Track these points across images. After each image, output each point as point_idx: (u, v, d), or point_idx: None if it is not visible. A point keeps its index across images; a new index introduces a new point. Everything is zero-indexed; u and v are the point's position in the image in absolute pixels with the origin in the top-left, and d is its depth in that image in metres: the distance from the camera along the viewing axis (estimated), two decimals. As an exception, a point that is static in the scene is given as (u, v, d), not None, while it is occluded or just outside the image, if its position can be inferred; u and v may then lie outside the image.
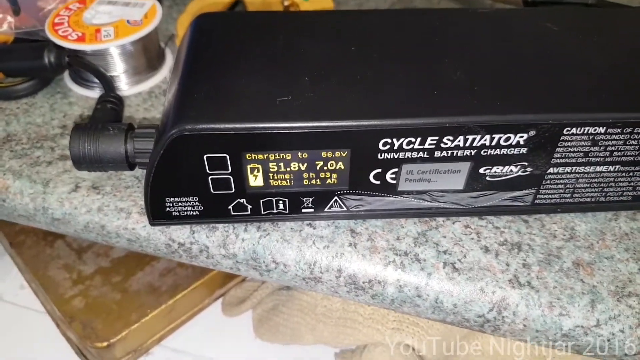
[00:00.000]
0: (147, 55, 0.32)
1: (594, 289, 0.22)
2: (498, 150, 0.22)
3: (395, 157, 0.22)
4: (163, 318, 0.61)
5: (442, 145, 0.21)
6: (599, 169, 0.23)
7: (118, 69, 0.31)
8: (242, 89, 0.22)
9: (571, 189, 0.24)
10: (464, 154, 0.22)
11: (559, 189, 0.24)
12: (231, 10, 0.32)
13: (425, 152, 0.22)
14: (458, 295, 0.23)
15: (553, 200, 0.24)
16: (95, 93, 0.31)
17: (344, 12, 0.30)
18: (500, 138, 0.21)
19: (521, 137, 0.21)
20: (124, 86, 0.32)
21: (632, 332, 0.21)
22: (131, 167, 0.24)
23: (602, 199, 0.24)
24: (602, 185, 0.24)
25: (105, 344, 0.57)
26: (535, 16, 0.28)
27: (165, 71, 0.33)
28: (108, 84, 0.29)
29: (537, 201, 0.24)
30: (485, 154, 0.22)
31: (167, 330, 0.65)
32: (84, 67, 0.30)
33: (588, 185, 0.24)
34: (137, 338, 0.60)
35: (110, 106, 0.27)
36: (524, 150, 0.22)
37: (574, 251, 0.24)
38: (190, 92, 0.22)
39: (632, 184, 0.24)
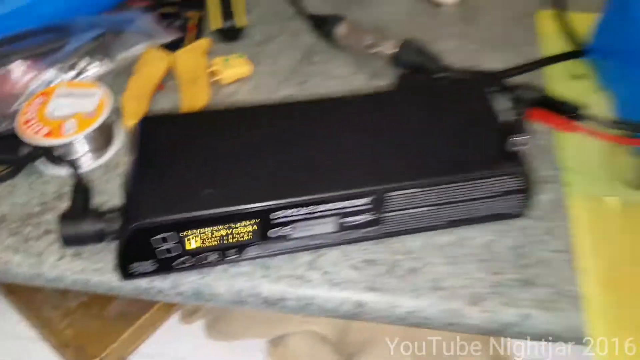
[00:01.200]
0: (102, 137, 0.42)
1: (418, 288, 0.35)
2: (352, 208, 0.34)
3: (286, 220, 0.34)
4: (135, 334, 0.78)
5: (315, 210, 0.34)
6: (418, 209, 0.36)
7: (80, 152, 0.41)
8: (178, 186, 0.33)
9: (403, 221, 0.36)
10: (331, 213, 0.34)
11: (395, 222, 0.36)
12: (168, 114, 0.42)
13: (305, 215, 0.34)
14: (334, 299, 0.35)
15: (393, 229, 0.37)
16: (63, 171, 0.41)
17: (251, 108, 0.40)
18: (352, 202, 0.34)
19: (364, 200, 0.34)
20: (87, 162, 0.42)
21: (440, 312, 0.35)
22: (102, 240, 0.35)
23: (424, 224, 0.37)
24: (422, 217, 0.36)
25: (95, 360, 0.74)
26: (389, 100, 0.40)
27: (116, 144, 0.43)
28: (76, 174, 0.39)
29: (382, 231, 0.36)
30: (344, 211, 0.34)
31: (140, 341, 0.82)
32: (55, 160, 0.40)
33: (413, 219, 0.36)
34: (118, 351, 0.77)
35: (82, 195, 0.38)
36: (367, 206, 0.34)
37: (408, 261, 0.36)
38: (141, 191, 0.33)
39: (443, 215, 0.36)
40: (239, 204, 0.32)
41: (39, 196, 0.41)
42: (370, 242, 0.37)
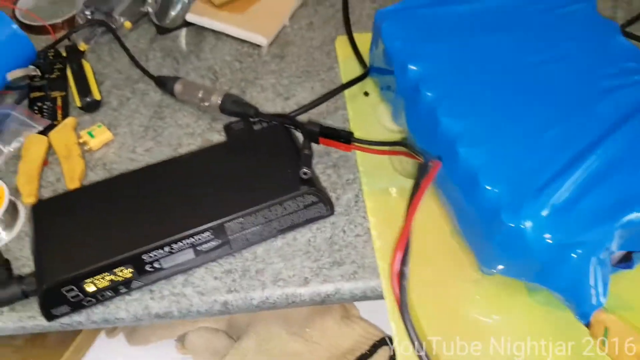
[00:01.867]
0: (8, 216, 0.52)
1: (264, 283, 0.49)
2: (200, 239, 0.47)
3: (153, 258, 0.47)
4: (74, 353, 0.96)
5: (173, 247, 0.47)
6: (251, 229, 0.50)
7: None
8: (70, 251, 0.45)
9: (245, 239, 0.50)
10: (186, 246, 0.47)
11: (240, 240, 0.50)
12: (54, 196, 0.52)
13: (167, 252, 0.47)
14: (206, 304, 0.49)
15: (240, 246, 0.50)
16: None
17: (118, 177, 0.53)
18: (198, 237, 0.47)
19: (208, 233, 0.47)
20: (2, 237, 0.52)
21: (281, 296, 0.49)
22: (27, 297, 0.47)
23: (261, 237, 0.51)
24: (258, 232, 0.50)
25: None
26: (219, 151, 0.53)
27: (21, 218, 0.54)
28: None
29: (234, 248, 0.50)
30: (196, 242, 0.47)
31: (79, 357, 0.96)
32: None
33: (252, 235, 0.50)
34: None
35: (3, 267, 0.48)
36: (212, 236, 0.48)
37: (255, 265, 0.51)
38: (45, 260, 0.45)
39: (273, 228, 0.51)
40: (113, 256, 0.45)
41: None
42: (227, 257, 0.51)
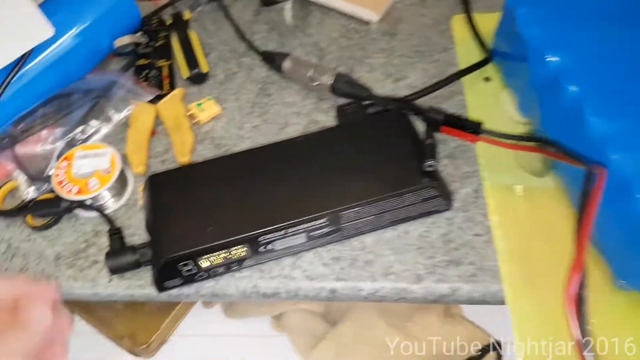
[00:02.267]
0: (118, 184, 0.52)
1: (374, 274, 0.47)
2: (315, 225, 0.46)
3: (268, 240, 0.45)
4: (171, 321, 0.99)
5: (288, 231, 0.45)
6: (366, 218, 0.47)
7: (105, 199, 0.52)
8: (188, 226, 0.45)
9: (356, 227, 0.48)
10: (300, 231, 0.46)
11: (351, 229, 0.48)
12: (172, 169, 0.51)
13: (281, 235, 0.45)
14: (313, 289, 0.47)
15: (351, 233, 0.48)
16: (94, 214, 0.52)
17: (232, 156, 0.52)
18: (313, 223, 0.45)
19: (322, 220, 0.45)
20: (111, 205, 0.52)
21: (392, 290, 0.47)
22: (139, 267, 0.47)
23: (373, 227, 0.49)
24: (371, 222, 0.48)
25: (145, 345, 0.95)
26: (333, 136, 0.51)
27: (130, 186, 0.54)
28: (108, 219, 0.50)
29: (343, 235, 0.48)
30: (310, 228, 0.46)
31: (176, 325, 1.02)
32: (88, 208, 0.51)
33: (364, 224, 0.48)
34: (161, 336, 0.97)
35: (117, 236, 0.49)
36: (326, 223, 0.46)
37: (364, 255, 0.48)
38: (162, 233, 0.45)
39: (386, 219, 0.48)
40: (232, 236, 0.44)
41: (81, 235, 0.52)
42: (335, 243, 0.49)
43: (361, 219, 0.47)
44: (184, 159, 0.54)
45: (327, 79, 0.57)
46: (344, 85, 0.56)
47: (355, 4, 0.67)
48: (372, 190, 0.46)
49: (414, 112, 0.52)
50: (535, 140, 0.47)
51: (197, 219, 0.45)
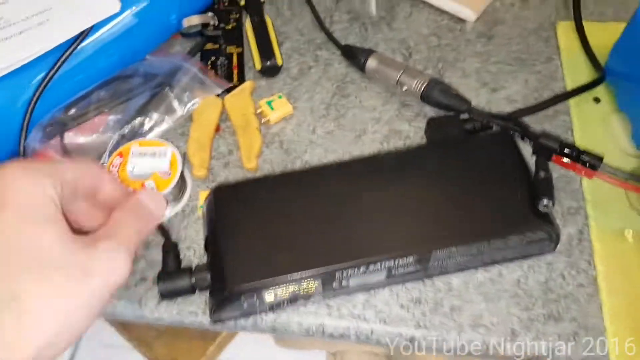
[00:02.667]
0: (177, 189, 0.47)
1: (461, 325, 0.41)
2: (402, 262, 0.39)
3: (345, 276, 0.39)
4: (216, 349, 0.86)
5: (370, 267, 0.39)
6: (459, 259, 0.41)
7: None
8: (256, 253, 0.39)
9: (444, 267, 0.42)
10: (382, 268, 0.39)
11: (437, 268, 0.41)
12: (235, 183, 0.46)
13: (360, 272, 0.39)
14: (389, 334, 0.41)
15: (435, 272, 0.42)
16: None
17: (305, 171, 0.46)
18: (400, 260, 0.39)
19: (409, 259, 0.39)
20: (167, 212, 0.47)
21: (481, 346, 0.41)
22: (193, 292, 0.41)
23: (463, 267, 0.42)
24: (462, 262, 0.42)
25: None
26: (423, 157, 0.45)
27: (188, 191, 0.48)
28: (163, 231, 0.45)
29: (427, 274, 0.42)
30: (395, 265, 0.40)
31: (220, 352, 0.93)
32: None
33: (453, 264, 0.42)
34: None
35: (172, 254, 0.43)
36: (414, 261, 0.39)
37: (450, 299, 0.42)
38: (227, 258, 0.39)
39: (480, 259, 0.42)
40: (307, 268, 0.38)
41: None
42: (416, 281, 0.43)
43: (453, 258, 0.41)
44: (250, 164, 0.48)
45: (418, 85, 0.50)
46: (439, 94, 0.49)
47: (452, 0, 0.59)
48: (473, 229, 0.39)
49: (521, 135, 0.44)
50: None
51: (266, 244, 0.39)
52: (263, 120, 0.52)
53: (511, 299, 0.42)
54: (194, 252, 0.45)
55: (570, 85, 0.53)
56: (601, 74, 0.52)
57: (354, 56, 0.54)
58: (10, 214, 0.27)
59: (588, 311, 0.41)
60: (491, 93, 0.53)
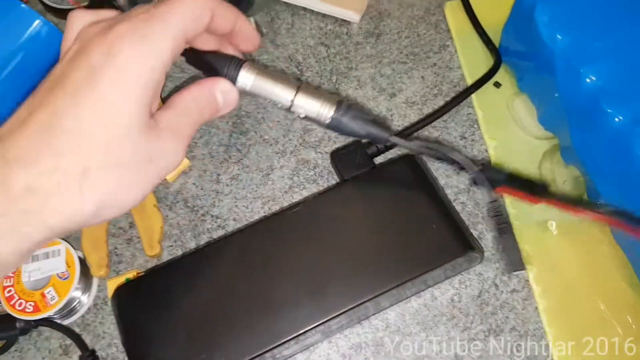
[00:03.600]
0: (82, 283, 0.43)
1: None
2: (332, 323, 0.38)
3: (276, 353, 0.37)
4: None
5: (299, 338, 0.37)
6: (391, 298, 0.39)
7: (69, 307, 0.42)
8: (173, 353, 0.36)
9: (379, 305, 0.40)
10: (314, 333, 0.38)
11: (372, 307, 0.40)
12: (137, 278, 0.41)
13: (292, 344, 0.37)
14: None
15: (370, 311, 0.41)
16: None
17: (209, 245, 0.42)
18: (329, 322, 0.37)
19: (342, 317, 0.37)
20: (79, 308, 0.43)
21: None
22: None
23: (397, 298, 0.41)
24: (395, 297, 0.40)
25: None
26: (338, 200, 0.42)
27: (94, 285, 0.44)
28: (76, 340, 0.41)
29: (361, 317, 0.41)
30: (327, 328, 0.38)
31: None
32: (50, 326, 0.42)
33: (388, 301, 0.40)
34: None
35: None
36: (345, 316, 0.38)
37: (390, 336, 0.41)
38: None
39: (411, 290, 0.40)
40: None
41: (47, 355, 0.43)
42: (355, 325, 0.41)
43: (384, 300, 0.39)
44: (152, 251, 0.44)
45: (323, 113, 0.36)
46: (350, 123, 0.36)
47: (330, 3, 0.55)
48: (400, 269, 0.38)
49: (460, 168, 0.41)
50: (612, 213, 0.39)
51: (183, 341, 0.37)
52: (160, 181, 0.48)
53: (449, 322, 0.41)
54: (116, 348, 0.42)
55: (468, 72, 0.51)
56: (497, 57, 0.50)
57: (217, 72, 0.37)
58: (108, 88, 0.27)
59: (526, 317, 0.41)
60: (390, 99, 0.51)
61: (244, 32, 0.35)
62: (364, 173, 0.43)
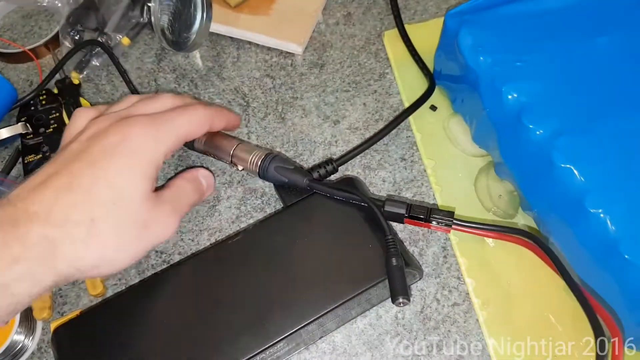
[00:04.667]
0: (23, 327, 0.43)
1: (351, 381, 0.41)
2: (274, 350, 0.38)
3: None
4: None
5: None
6: (332, 321, 0.40)
7: (11, 351, 0.42)
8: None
9: (324, 329, 0.41)
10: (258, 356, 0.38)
11: (316, 333, 0.41)
12: (78, 316, 0.40)
13: None
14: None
15: (315, 336, 0.41)
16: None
17: (160, 275, 0.42)
18: (270, 349, 0.38)
19: (282, 344, 0.38)
20: (26, 353, 0.43)
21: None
22: None
23: (340, 322, 0.42)
24: (338, 319, 0.41)
25: None
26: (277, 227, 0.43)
27: (38, 327, 0.44)
28: None
29: (306, 342, 0.41)
30: (268, 355, 0.38)
31: None
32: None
33: (332, 324, 0.41)
34: None
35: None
36: (285, 344, 0.38)
37: (336, 358, 0.42)
38: None
39: (354, 312, 0.41)
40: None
41: None
42: (302, 351, 0.42)
43: (326, 323, 0.40)
44: (96, 291, 0.44)
45: (252, 165, 0.45)
46: (275, 174, 0.44)
47: (275, 37, 0.57)
48: (338, 291, 0.38)
49: (362, 203, 0.42)
50: (521, 234, 0.40)
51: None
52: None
53: (393, 340, 0.42)
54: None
55: (406, 97, 0.53)
56: (431, 81, 0.52)
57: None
58: (121, 161, 0.35)
59: (468, 329, 0.42)
60: (334, 126, 0.53)
61: (231, 123, 0.47)
62: (305, 198, 0.44)
